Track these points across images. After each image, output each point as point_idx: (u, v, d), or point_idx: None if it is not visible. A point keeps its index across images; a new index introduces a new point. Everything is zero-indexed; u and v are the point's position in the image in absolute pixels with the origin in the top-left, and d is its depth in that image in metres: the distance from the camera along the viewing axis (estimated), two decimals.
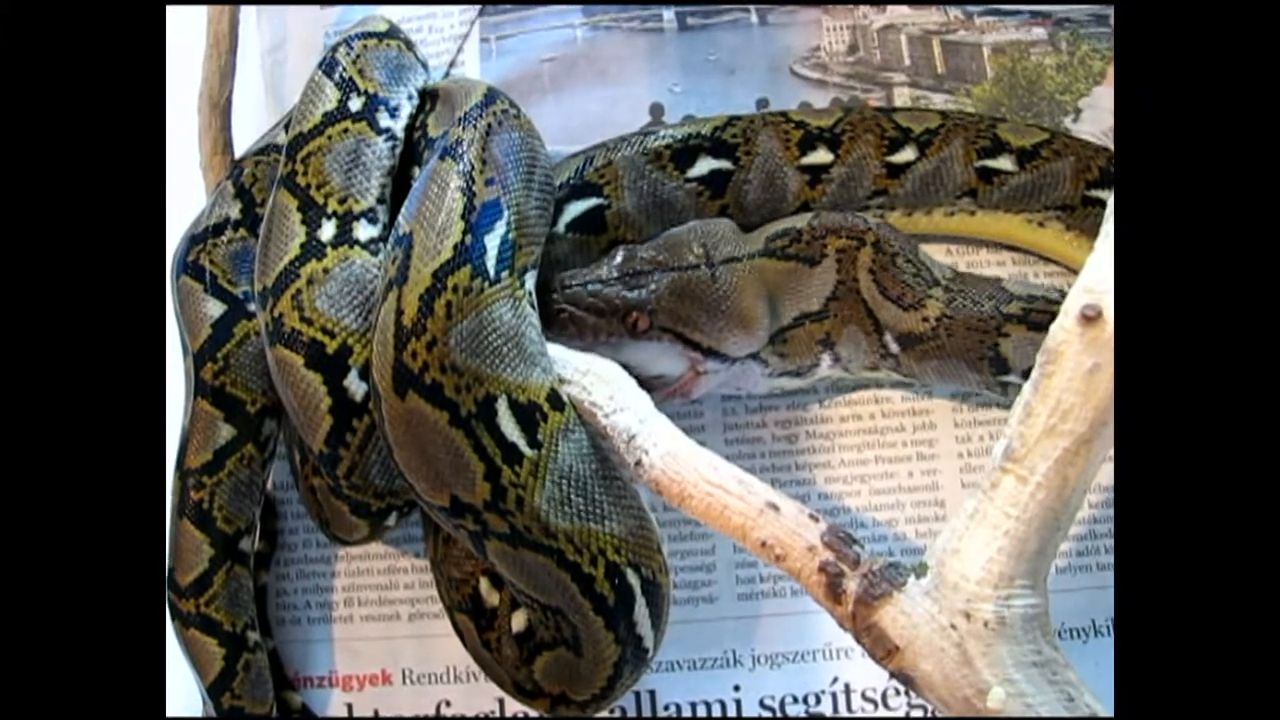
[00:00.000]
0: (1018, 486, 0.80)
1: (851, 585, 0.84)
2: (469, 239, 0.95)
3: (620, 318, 1.05)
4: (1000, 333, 1.10)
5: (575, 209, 1.15)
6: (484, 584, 1.09)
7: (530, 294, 1.01)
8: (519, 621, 1.07)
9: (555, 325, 1.04)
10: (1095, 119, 1.29)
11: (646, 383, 1.07)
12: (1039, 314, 1.07)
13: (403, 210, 1.00)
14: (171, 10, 1.29)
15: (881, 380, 1.23)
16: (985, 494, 0.82)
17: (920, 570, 0.84)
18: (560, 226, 1.14)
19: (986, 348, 1.10)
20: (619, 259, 1.08)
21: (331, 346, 1.01)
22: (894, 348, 1.14)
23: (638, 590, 1.00)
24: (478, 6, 1.39)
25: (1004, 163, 1.19)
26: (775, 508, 0.87)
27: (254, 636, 1.19)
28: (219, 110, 1.27)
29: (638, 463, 0.94)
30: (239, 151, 1.27)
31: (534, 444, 0.96)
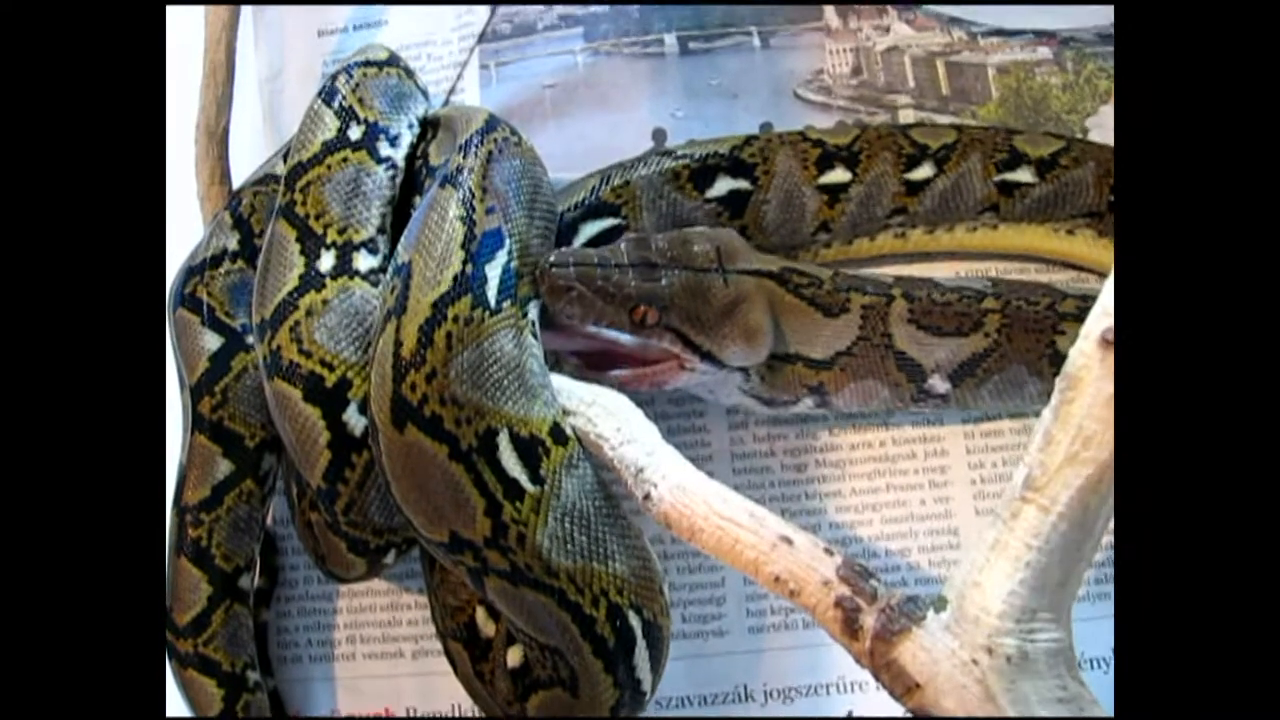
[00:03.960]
0: (1039, 516, 0.78)
1: (869, 621, 0.81)
2: (469, 268, 0.93)
3: (629, 308, 1.02)
4: (1056, 330, 1.10)
5: (592, 228, 1.14)
6: (480, 613, 1.07)
7: (533, 324, 0.99)
8: (515, 657, 1.05)
9: (559, 300, 1.00)
10: (1103, 139, 1.27)
11: (614, 359, 1.05)
12: None
13: (402, 239, 0.98)
14: (169, 39, 1.29)
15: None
16: (1005, 524, 0.79)
17: (939, 604, 0.81)
18: (576, 246, 1.12)
19: (1044, 346, 1.10)
20: (631, 246, 1.05)
21: (330, 379, 1.00)
22: (942, 388, 1.13)
23: (639, 633, 0.98)
24: (476, 34, 1.38)
25: (1024, 174, 1.19)
26: (789, 541, 0.85)
27: (254, 676, 1.17)
28: (216, 140, 1.26)
29: (646, 496, 0.91)
30: (237, 182, 1.26)
31: (536, 479, 0.93)
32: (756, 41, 1.36)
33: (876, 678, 0.82)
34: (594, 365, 1.07)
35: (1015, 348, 1.12)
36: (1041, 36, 1.34)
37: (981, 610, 0.79)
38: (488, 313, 0.93)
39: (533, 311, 0.99)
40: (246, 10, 1.39)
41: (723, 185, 1.18)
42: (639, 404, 1.00)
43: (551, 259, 1.00)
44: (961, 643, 0.79)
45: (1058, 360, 1.07)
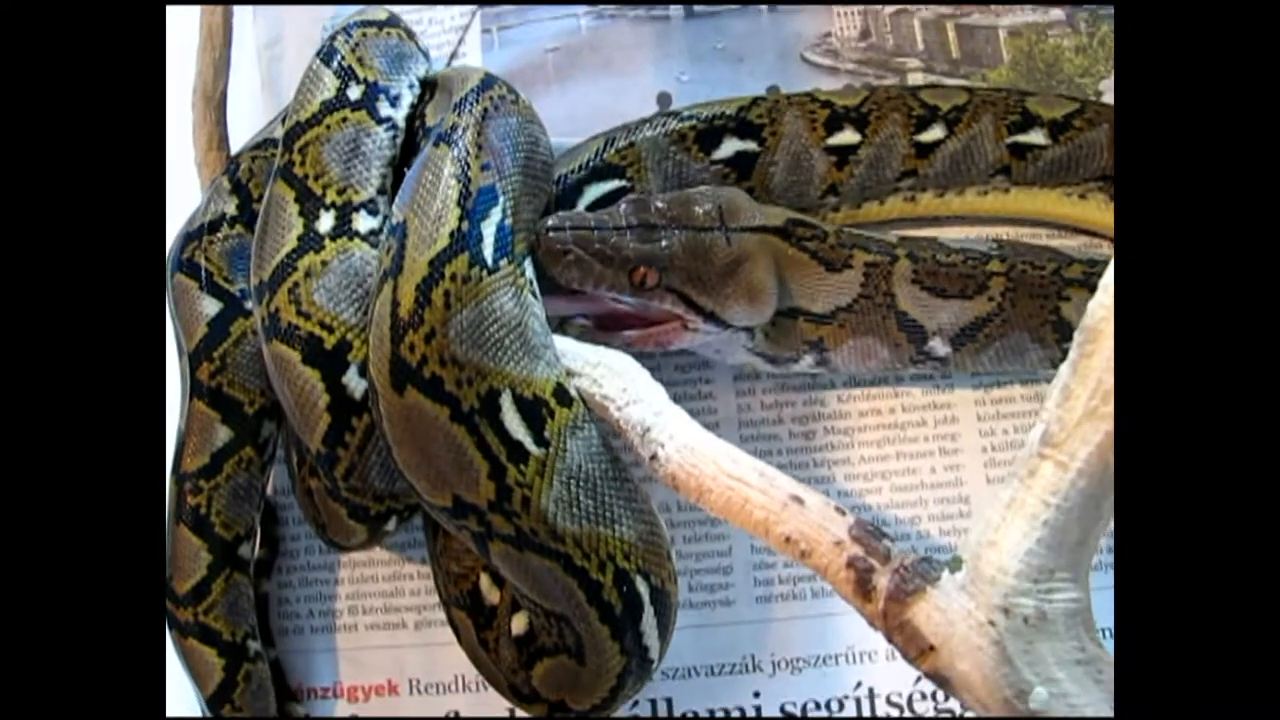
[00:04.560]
0: (1057, 473, 0.75)
1: (882, 581, 0.79)
2: (465, 225, 0.91)
3: (628, 270, 1.00)
4: (1061, 296, 1.09)
5: (596, 190, 1.12)
6: (484, 580, 1.05)
7: (532, 282, 0.97)
8: (519, 624, 1.03)
9: (556, 264, 0.98)
10: None
11: (622, 320, 1.04)
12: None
13: (397, 199, 0.97)
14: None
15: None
16: (1022, 482, 0.77)
17: (954, 564, 0.79)
18: (580, 208, 1.10)
19: (1048, 313, 1.09)
20: (630, 208, 1.03)
21: (330, 341, 0.98)
22: (942, 351, 1.12)
23: (646, 599, 0.96)
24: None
25: (1036, 137, 1.17)
26: (799, 501, 0.83)
27: (255, 646, 1.16)
28: (214, 105, 1.25)
29: (653, 457, 0.89)
30: (235, 147, 1.24)
31: (541, 442, 0.92)
32: (763, 4, 1.34)
33: (890, 640, 0.80)
34: (601, 326, 1.05)
35: (1019, 312, 1.10)
36: None
37: (998, 570, 0.76)
38: (485, 271, 0.91)
39: (529, 270, 0.97)
40: None
41: (729, 147, 1.15)
42: (645, 368, 0.98)
43: (548, 222, 0.99)
44: (977, 603, 0.77)
45: (1061, 327, 1.08)
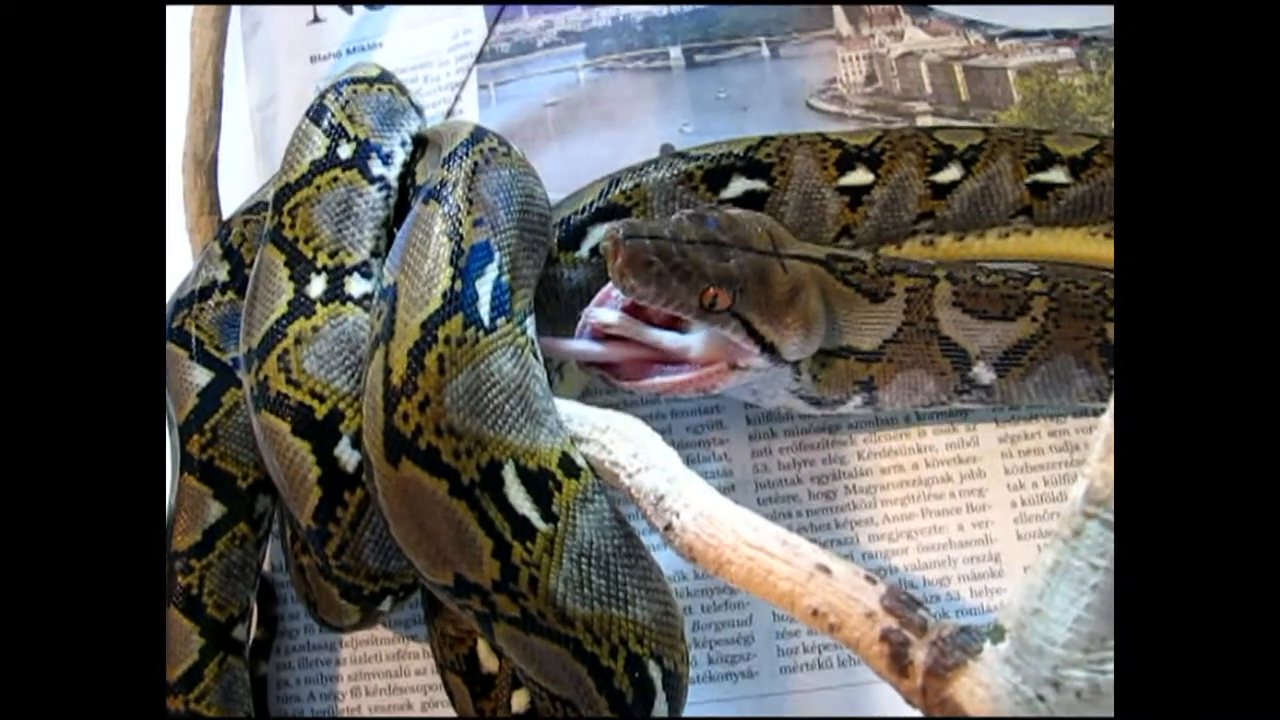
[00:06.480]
0: (1104, 532, 0.70)
1: (919, 655, 0.73)
2: (459, 285, 0.87)
3: (700, 290, 0.92)
4: (1106, 317, 1.06)
5: (601, 233, 1.08)
6: (482, 646, 1.00)
7: (533, 342, 0.92)
8: (520, 701, 0.98)
9: (636, 274, 0.90)
10: None
11: (642, 369, 0.98)
12: None
13: (387, 261, 0.93)
14: None
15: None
16: (1066, 543, 0.72)
17: (996, 634, 0.73)
18: (584, 250, 1.07)
19: (1094, 334, 1.06)
20: (692, 223, 0.96)
21: (321, 411, 0.93)
22: (986, 378, 1.08)
23: (658, 684, 0.91)
24: (474, 53, 1.34)
25: (1057, 175, 1.13)
26: (826, 570, 0.77)
27: None
28: (205, 169, 1.22)
29: (668, 526, 0.84)
30: (227, 212, 1.20)
31: (548, 517, 0.86)
32: (765, 51, 1.33)
33: (928, 718, 0.74)
34: (628, 375, 0.98)
35: (1063, 334, 1.07)
36: (1062, 37, 1.31)
37: (1045, 640, 0.71)
38: (482, 331, 0.86)
39: (530, 328, 0.93)
40: (235, 35, 1.35)
41: (738, 186, 1.12)
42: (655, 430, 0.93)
43: (623, 230, 0.91)
44: (1024, 677, 0.71)
45: (1108, 350, 1.06)
